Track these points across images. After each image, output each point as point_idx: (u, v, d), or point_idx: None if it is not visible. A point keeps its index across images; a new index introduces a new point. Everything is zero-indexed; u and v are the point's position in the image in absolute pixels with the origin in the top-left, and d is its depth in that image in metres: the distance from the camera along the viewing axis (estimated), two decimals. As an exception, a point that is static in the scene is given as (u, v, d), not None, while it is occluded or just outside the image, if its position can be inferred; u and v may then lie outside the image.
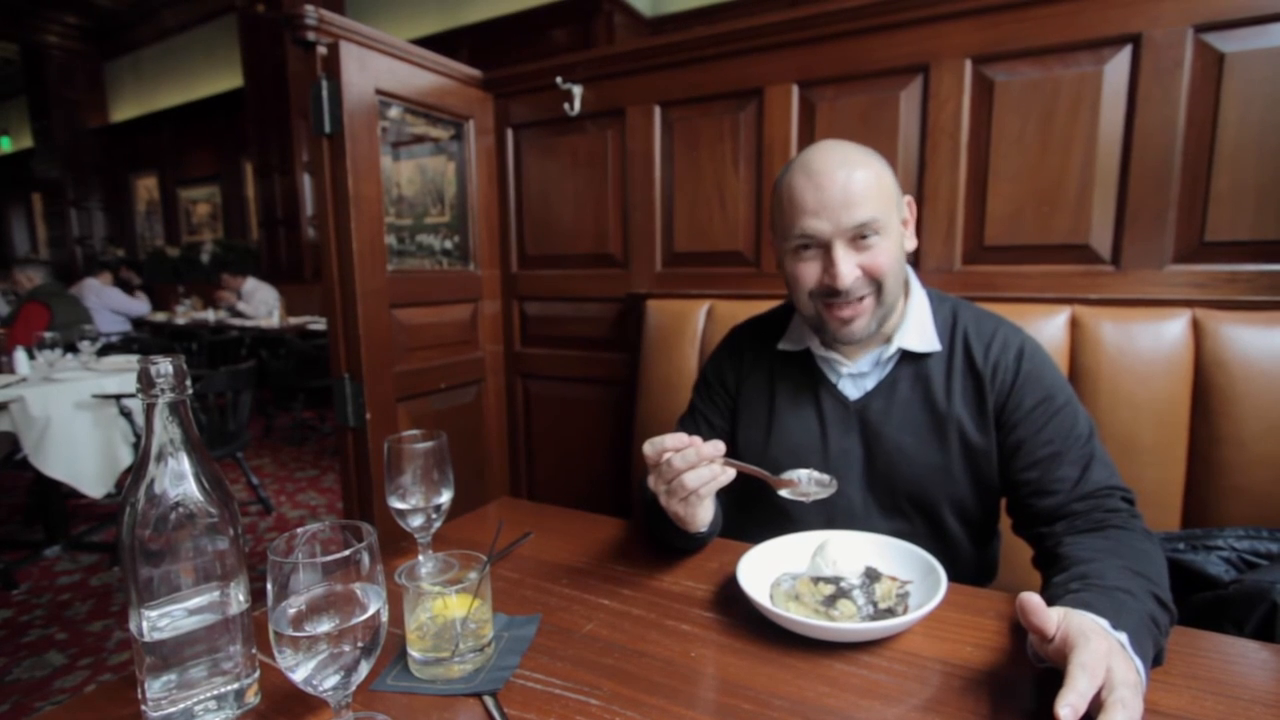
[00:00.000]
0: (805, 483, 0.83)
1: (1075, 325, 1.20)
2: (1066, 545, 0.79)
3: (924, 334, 0.94)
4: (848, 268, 0.86)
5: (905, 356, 0.95)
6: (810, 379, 0.99)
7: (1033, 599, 0.57)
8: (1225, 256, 1.19)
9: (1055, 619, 0.57)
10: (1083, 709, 0.49)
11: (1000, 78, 1.31)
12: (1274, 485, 1.06)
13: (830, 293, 0.88)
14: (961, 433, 0.91)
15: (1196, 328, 1.13)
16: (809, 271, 0.89)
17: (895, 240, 0.89)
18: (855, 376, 0.97)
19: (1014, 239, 1.33)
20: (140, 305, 5.96)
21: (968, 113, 1.34)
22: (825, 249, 0.87)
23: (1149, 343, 1.15)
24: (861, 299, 0.88)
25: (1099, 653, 0.53)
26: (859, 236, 0.86)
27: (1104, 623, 0.59)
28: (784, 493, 0.83)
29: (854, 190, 0.85)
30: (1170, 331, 1.14)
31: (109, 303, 5.52)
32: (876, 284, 0.88)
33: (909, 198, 0.96)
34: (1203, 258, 1.21)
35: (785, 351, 1.02)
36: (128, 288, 6.20)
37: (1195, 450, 1.13)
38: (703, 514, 0.81)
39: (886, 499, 0.95)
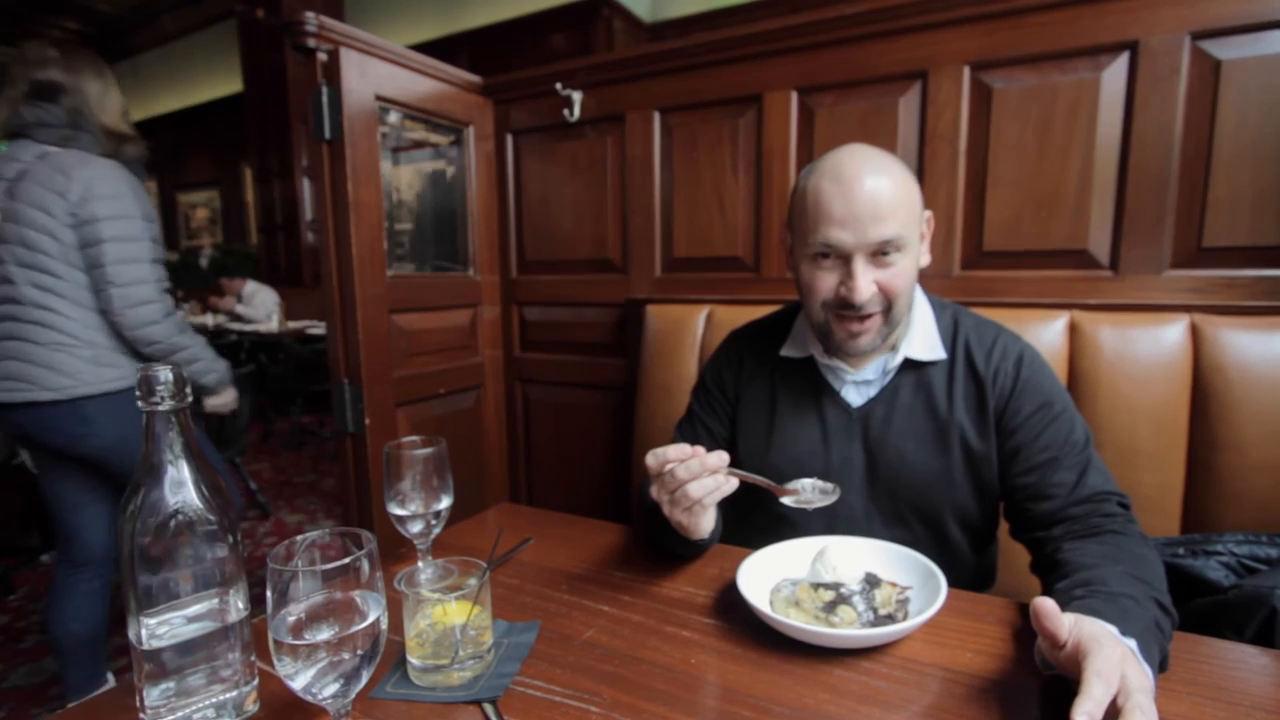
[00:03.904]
0: (808, 491, 0.83)
1: (1074, 330, 1.21)
2: (1066, 551, 0.79)
3: (929, 343, 0.95)
4: (865, 283, 0.85)
5: (907, 364, 0.95)
6: (813, 386, 0.99)
7: (1048, 604, 0.57)
8: (1223, 262, 1.20)
9: (1067, 625, 0.57)
10: (1099, 716, 0.49)
11: (998, 84, 1.31)
12: (1273, 490, 1.06)
13: (843, 304, 0.88)
14: (963, 438, 0.92)
15: (1195, 333, 1.14)
16: (825, 281, 0.88)
17: (913, 258, 0.89)
18: (859, 384, 0.97)
19: (1012, 244, 1.34)
20: None
21: (966, 119, 1.35)
22: (845, 260, 0.86)
23: (1148, 348, 1.15)
24: (871, 315, 0.88)
25: (1113, 659, 0.53)
26: (880, 252, 0.85)
27: (1112, 629, 0.59)
28: (787, 500, 0.83)
29: (882, 204, 0.83)
30: (1169, 337, 1.15)
31: None
32: (888, 302, 0.87)
33: (929, 213, 0.94)
34: (1201, 263, 1.21)
35: (788, 358, 1.02)
36: None
37: (1194, 455, 1.13)
38: (705, 523, 0.81)
39: (888, 506, 0.95)
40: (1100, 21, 1.21)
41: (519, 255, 1.94)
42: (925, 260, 0.93)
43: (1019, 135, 1.30)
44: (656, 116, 1.67)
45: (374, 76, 1.51)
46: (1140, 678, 0.53)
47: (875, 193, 0.83)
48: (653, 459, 0.76)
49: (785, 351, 1.02)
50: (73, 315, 1.49)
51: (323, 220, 1.50)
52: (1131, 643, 0.58)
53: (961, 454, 0.92)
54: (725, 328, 1.30)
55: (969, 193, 1.37)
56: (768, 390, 1.03)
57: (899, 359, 0.94)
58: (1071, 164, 1.27)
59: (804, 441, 0.98)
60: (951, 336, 0.95)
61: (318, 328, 4.89)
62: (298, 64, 5.32)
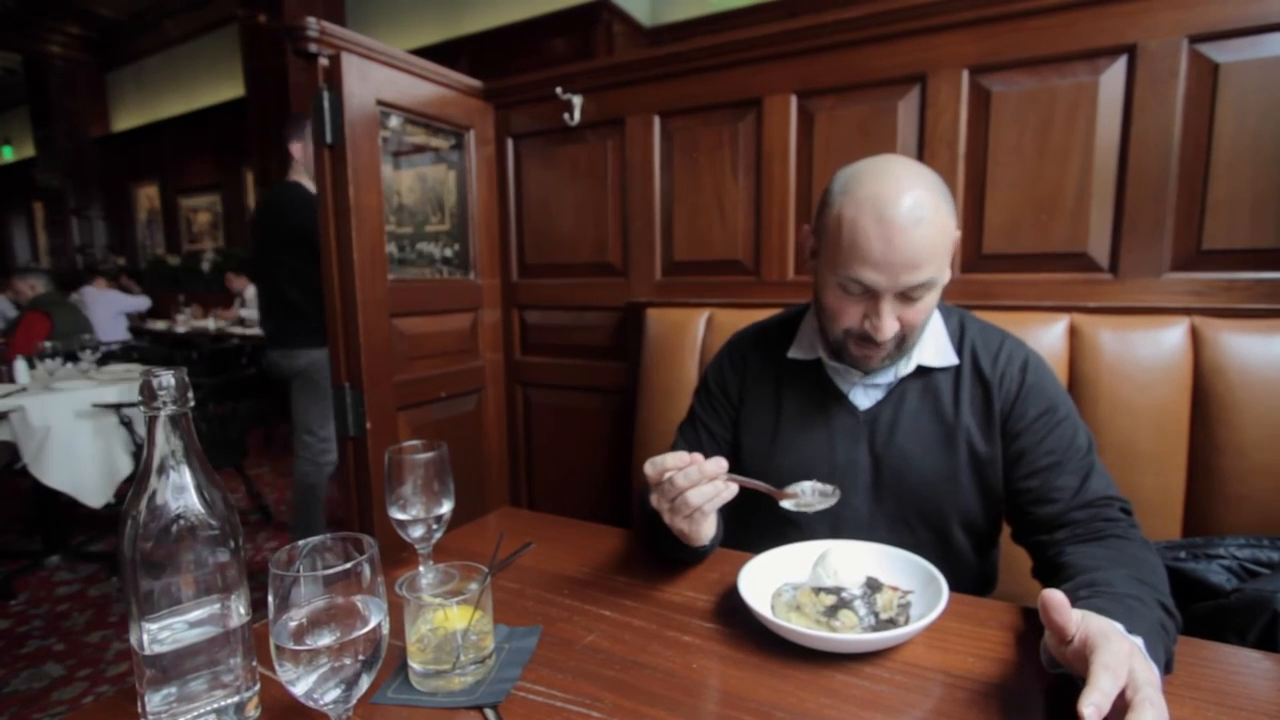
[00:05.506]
0: (809, 494, 0.83)
1: (1074, 333, 1.21)
2: (1069, 555, 0.79)
3: (940, 350, 0.94)
4: (890, 322, 0.84)
5: (916, 368, 0.95)
6: (820, 388, 0.99)
7: (1057, 596, 0.57)
8: (1223, 264, 1.20)
9: (1075, 620, 0.57)
10: (1107, 708, 0.49)
11: (997, 88, 1.32)
12: (1274, 493, 1.06)
13: (864, 336, 0.87)
14: (969, 442, 0.92)
15: (1195, 336, 1.14)
16: (850, 312, 0.87)
17: (939, 290, 0.87)
18: (867, 387, 0.96)
19: (1012, 247, 1.34)
20: (141, 300, 6.00)
21: (965, 122, 1.35)
22: (873, 296, 0.84)
23: (1148, 351, 1.15)
24: (887, 342, 0.87)
25: (1121, 654, 0.53)
26: (909, 293, 0.84)
27: (1119, 627, 0.59)
28: (786, 504, 0.83)
29: (922, 251, 0.80)
30: (1169, 339, 1.15)
31: (112, 304, 5.54)
32: (904, 334, 0.87)
33: (958, 233, 0.90)
34: (1200, 266, 1.21)
35: (794, 360, 1.02)
36: (126, 293, 6.23)
37: (1195, 458, 1.13)
38: (706, 529, 0.81)
39: (893, 509, 0.95)
40: (1098, 25, 1.22)
41: (519, 259, 1.94)
42: (948, 277, 0.89)
43: (1018, 138, 1.31)
44: (656, 120, 1.67)
45: (375, 81, 1.52)
46: (1148, 672, 0.53)
47: (918, 241, 0.79)
48: (651, 468, 0.76)
49: (793, 354, 1.02)
50: None
51: (324, 224, 1.50)
52: (1138, 640, 0.58)
53: (967, 457, 0.92)
54: (725, 331, 1.30)
55: (968, 196, 1.37)
56: (773, 392, 1.03)
57: (912, 366, 0.94)
58: (1071, 167, 1.27)
59: (810, 444, 0.98)
60: (959, 340, 0.96)
61: (319, 331, 4.88)
62: (299, 69, 5.34)
